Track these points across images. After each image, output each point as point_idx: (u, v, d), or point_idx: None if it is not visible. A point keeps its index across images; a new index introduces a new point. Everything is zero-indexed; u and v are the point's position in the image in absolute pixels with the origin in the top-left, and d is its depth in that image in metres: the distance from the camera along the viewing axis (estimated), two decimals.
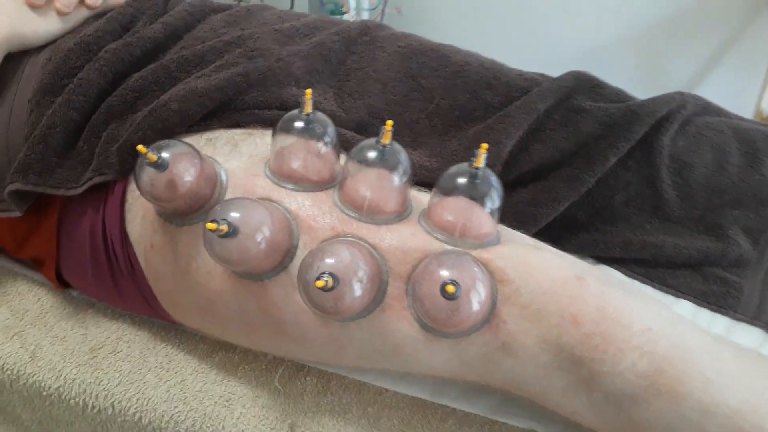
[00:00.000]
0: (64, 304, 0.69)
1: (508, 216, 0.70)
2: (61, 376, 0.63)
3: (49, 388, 0.63)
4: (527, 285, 0.50)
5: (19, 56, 0.69)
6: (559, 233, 0.73)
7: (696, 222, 0.74)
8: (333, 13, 1.75)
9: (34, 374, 0.64)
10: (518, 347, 0.50)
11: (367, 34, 0.78)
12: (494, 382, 0.55)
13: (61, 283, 0.68)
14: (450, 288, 0.44)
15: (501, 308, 0.50)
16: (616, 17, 1.81)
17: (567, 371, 0.50)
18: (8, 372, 0.64)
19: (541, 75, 0.78)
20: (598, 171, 0.69)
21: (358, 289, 0.48)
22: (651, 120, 0.70)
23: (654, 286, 0.72)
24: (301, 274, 0.49)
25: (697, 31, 1.75)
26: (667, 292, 0.72)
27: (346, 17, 1.74)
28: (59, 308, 0.69)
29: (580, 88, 0.74)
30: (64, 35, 0.72)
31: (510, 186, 0.72)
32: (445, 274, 0.47)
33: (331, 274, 0.46)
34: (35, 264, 0.70)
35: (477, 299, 0.48)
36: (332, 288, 0.46)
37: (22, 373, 0.64)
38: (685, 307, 0.70)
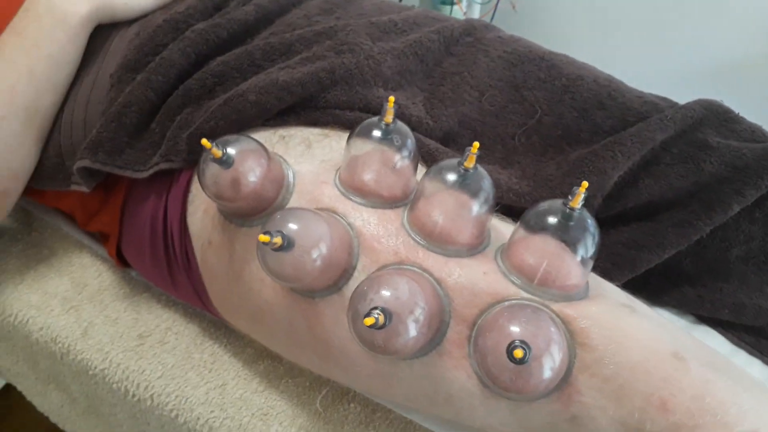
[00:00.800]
0: (122, 283, 0.68)
1: (602, 256, 0.62)
2: (107, 358, 0.62)
3: (95, 368, 0.62)
4: (614, 355, 0.42)
5: (108, 29, 0.68)
6: (658, 282, 0.64)
7: None
8: (444, 3, 1.67)
9: (83, 352, 0.63)
10: (591, 424, 0.43)
11: (471, 35, 0.72)
12: None
13: (121, 261, 0.67)
14: (518, 352, 0.38)
15: (578, 377, 0.43)
16: (756, 33, 1.61)
17: None
18: (60, 345, 0.64)
19: (664, 99, 0.68)
20: (717, 219, 0.60)
21: (413, 330, 0.42)
22: None
23: (764, 360, 0.63)
24: (353, 303, 0.43)
25: None
26: None
27: (455, 9, 1.67)
28: (117, 287, 0.68)
29: (709, 121, 0.64)
30: (155, 11, 0.70)
31: (609, 222, 0.64)
32: (515, 331, 0.40)
33: (384, 310, 0.40)
34: (101, 238, 0.70)
35: (550, 365, 0.40)
36: (383, 326, 0.40)
37: (72, 348, 0.63)
38: None
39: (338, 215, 0.50)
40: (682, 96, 0.68)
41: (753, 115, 0.68)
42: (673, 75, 1.63)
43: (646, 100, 0.66)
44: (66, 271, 0.70)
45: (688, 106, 0.64)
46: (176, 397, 0.59)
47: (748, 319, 0.62)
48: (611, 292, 0.49)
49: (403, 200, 0.51)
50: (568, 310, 0.44)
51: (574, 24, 1.81)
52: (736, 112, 0.66)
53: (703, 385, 0.41)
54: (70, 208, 0.69)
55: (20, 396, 0.80)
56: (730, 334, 0.64)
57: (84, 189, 0.61)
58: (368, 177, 0.50)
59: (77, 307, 0.66)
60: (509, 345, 0.38)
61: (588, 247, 0.45)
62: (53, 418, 0.79)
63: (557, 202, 0.45)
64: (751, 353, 0.63)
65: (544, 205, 0.46)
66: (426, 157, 0.60)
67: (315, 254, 0.45)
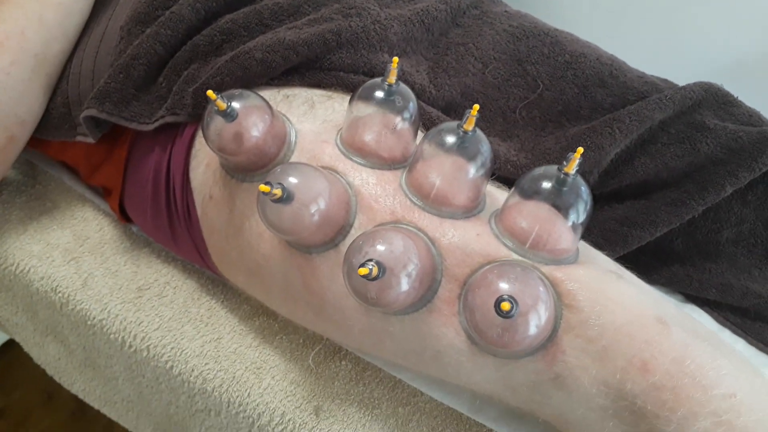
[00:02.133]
0: (122, 238, 0.69)
1: (595, 232, 0.63)
2: (106, 309, 0.63)
3: (94, 318, 0.63)
4: (599, 317, 0.43)
5: None
6: (649, 261, 0.66)
7: None
8: None
9: (82, 302, 0.64)
10: (573, 384, 0.44)
11: (478, 7, 0.72)
12: (540, 413, 0.49)
13: (123, 216, 0.68)
14: (505, 305, 0.39)
15: (562, 337, 0.44)
16: (762, 30, 1.61)
17: (623, 421, 0.44)
18: (60, 295, 0.65)
19: (665, 81, 0.69)
20: (710, 200, 0.61)
21: (405, 284, 0.43)
22: None
23: (748, 340, 0.64)
24: (348, 256, 0.45)
25: None
26: (762, 350, 0.63)
27: None
28: (117, 241, 0.69)
29: (708, 103, 0.65)
30: None
31: (604, 199, 0.65)
32: (504, 287, 0.42)
33: (378, 263, 0.41)
34: (104, 192, 0.71)
35: (535, 322, 0.42)
36: (376, 277, 0.41)
37: (71, 298, 0.64)
38: None
39: (338, 174, 0.50)
40: (684, 82, 0.68)
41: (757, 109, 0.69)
42: (677, 64, 1.63)
43: (647, 80, 0.67)
44: (68, 223, 0.71)
45: (688, 88, 0.65)
46: (172, 348, 0.60)
47: (735, 300, 0.64)
48: (600, 259, 0.51)
49: (402, 162, 0.52)
50: (556, 272, 0.45)
51: (582, 7, 1.81)
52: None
53: (684, 349, 0.42)
54: (75, 161, 0.70)
55: (17, 355, 0.81)
56: (717, 314, 0.65)
57: (89, 140, 0.62)
58: (369, 138, 0.51)
59: (78, 259, 0.67)
60: (497, 299, 0.40)
61: (580, 212, 0.46)
62: (50, 371, 0.80)
63: (552, 168, 0.46)
64: (735, 332, 0.64)
65: (540, 170, 0.47)
66: (427, 125, 0.60)
67: (313, 209, 0.46)
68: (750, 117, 0.64)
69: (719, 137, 0.62)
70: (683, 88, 0.65)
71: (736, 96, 0.66)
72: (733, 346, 0.57)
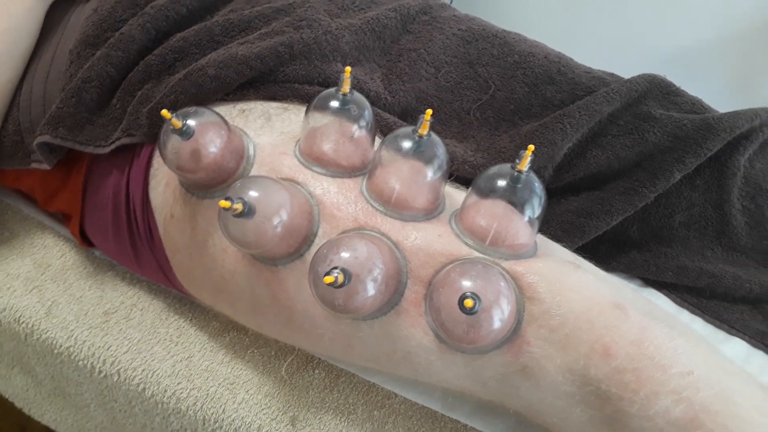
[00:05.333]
0: (85, 263, 0.69)
1: (554, 225, 0.65)
2: (72, 336, 0.62)
3: (60, 346, 0.62)
4: (559, 307, 0.45)
5: (66, 4, 0.68)
6: (607, 249, 0.68)
7: (764, 254, 0.67)
8: None
9: (48, 330, 0.63)
10: (540, 373, 0.45)
11: (428, 13, 0.74)
12: (510, 404, 0.50)
13: (84, 241, 0.67)
14: (468, 302, 0.40)
15: (526, 328, 0.45)
16: (706, 20, 1.66)
17: (590, 406, 0.45)
18: (24, 325, 0.64)
19: (611, 75, 0.71)
20: (660, 186, 0.63)
21: (371, 289, 0.44)
22: (727, 136, 0.63)
23: (705, 319, 0.66)
24: (313, 266, 0.45)
25: None
26: (719, 327, 0.66)
27: None
28: (80, 267, 0.68)
29: (653, 94, 0.67)
30: None
31: (560, 192, 0.67)
32: (466, 284, 0.43)
33: (344, 270, 0.42)
34: (63, 218, 0.70)
35: (499, 316, 0.43)
36: (342, 284, 0.42)
37: (36, 328, 0.63)
38: (737, 346, 0.64)
39: (299, 184, 0.51)
40: (630, 75, 0.71)
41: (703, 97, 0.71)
42: (626, 57, 1.68)
43: (593, 75, 0.69)
44: (28, 252, 0.70)
45: (633, 80, 0.67)
46: (143, 371, 0.60)
47: (690, 281, 0.66)
48: (558, 251, 0.52)
49: (362, 169, 0.53)
50: (517, 266, 0.47)
51: (528, 8, 1.85)
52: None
53: (642, 332, 0.44)
54: (30, 188, 0.69)
55: None
56: (675, 296, 0.68)
57: (45, 166, 0.62)
58: (327, 147, 0.51)
59: (40, 287, 0.66)
60: (461, 297, 0.41)
61: (535, 207, 0.47)
62: (18, 403, 0.78)
63: (506, 166, 0.48)
64: (693, 312, 0.67)
65: (494, 169, 0.48)
66: (385, 131, 0.61)
67: (276, 221, 0.46)
68: (693, 105, 0.67)
69: (665, 126, 0.64)
70: (628, 81, 0.67)
71: (678, 86, 0.69)
72: (690, 326, 0.60)
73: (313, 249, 0.49)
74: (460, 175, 0.63)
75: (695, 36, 1.68)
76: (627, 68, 0.79)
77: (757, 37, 1.62)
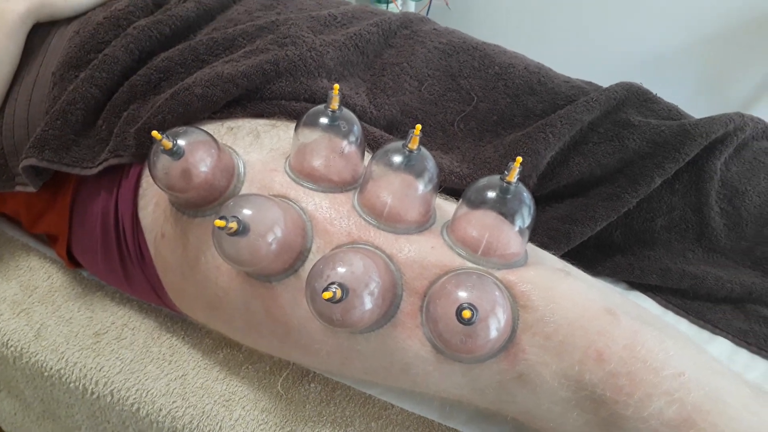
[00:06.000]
0: (73, 284, 0.68)
1: (540, 232, 0.66)
2: (63, 358, 0.62)
3: (51, 369, 0.62)
4: (552, 314, 0.46)
5: (47, 26, 0.68)
6: (592, 254, 0.69)
7: (743, 254, 0.69)
8: (379, 2, 1.70)
9: (37, 353, 0.62)
10: (536, 380, 0.46)
11: (408, 27, 0.75)
12: (507, 411, 0.51)
13: (72, 262, 0.67)
14: (466, 313, 0.41)
15: (521, 336, 0.46)
16: (676, 25, 1.71)
17: (586, 410, 0.46)
18: (12, 348, 0.63)
19: (589, 83, 0.73)
20: (642, 192, 0.65)
21: (368, 303, 0.45)
22: (704, 141, 0.65)
23: (689, 320, 0.68)
24: (310, 281, 0.46)
25: (765, 45, 1.63)
26: (703, 327, 0.67)
27: (391, 7, 1.70)
28: (68, 288, 0.68)
29: (630, 101, 0.69)
30: (95, 8, 0.70)
31: (544, 200, 0.68)
32: (462, 295, 0.44)
33: (341, 285, 0.43)
34: (49, 240, 0.69)
35: (495, 326, 0.44)
36: (340, 300, 0.43)
37: (25, 351, 0.63)
38: (721, 345, 0.65)
39: (290, 201, 0.51)
40: (608, 83, 0.72)
41: (675, 101, 0.74)
42: (599, 64, 1.72)
43: (573, 85, 0.71)
44: (13, 275, 0.69)
45: (611, 89, 0.69)
46: (137, 390, 0.59)
47: (674, 283, 0.68)
48: (548, 259, 0.53)
49: (353, 184, 0.53)
50: (509, 276, 0.48)
51: (506, 20, 1.88)
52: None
53: (633, 336, 0.45)
54: (15, 211, 0.68)
55: None
56: (659, 298, 0.69)
57: (30, 189, 0.61)
58: (318, 163, 0.52)
59: (28, 310, 0.66)
60: (458, 308, 0.41)
61: (525, 217, 0.48)
62: (6, 428, 0.77)
63: (495, 178, 0.49)
64: (677, 313, 0.68)
65: (483, 180, 0.49)
66: (372, 145, 0.62)
67: (270, 238, 0.47)
68: (669, 111, 0.69)
69: (644, 133, 0.66)
70: (607, 89, 0.69)
71: (655, 92, 0.71)
72: (677, 327, 0.61)
73: (308, 264, 0.50)
74: (447, 185, 0.64)
75: (665, 41, 1.72)
76: (600, 75, 0.81)
77: (724, 40, 1.66)
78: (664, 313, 0.68)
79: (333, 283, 0.43)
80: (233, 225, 0.44)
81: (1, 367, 0.66)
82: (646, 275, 0.68)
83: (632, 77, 0.73)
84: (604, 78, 0.76)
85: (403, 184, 0.49)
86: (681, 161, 0.65)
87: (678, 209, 0.68)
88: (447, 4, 1.82)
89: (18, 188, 0.63)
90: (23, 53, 0.66)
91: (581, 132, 0.67)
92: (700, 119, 0.67)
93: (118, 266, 0.61)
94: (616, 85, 0.70)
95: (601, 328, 0.45)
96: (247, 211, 0.46)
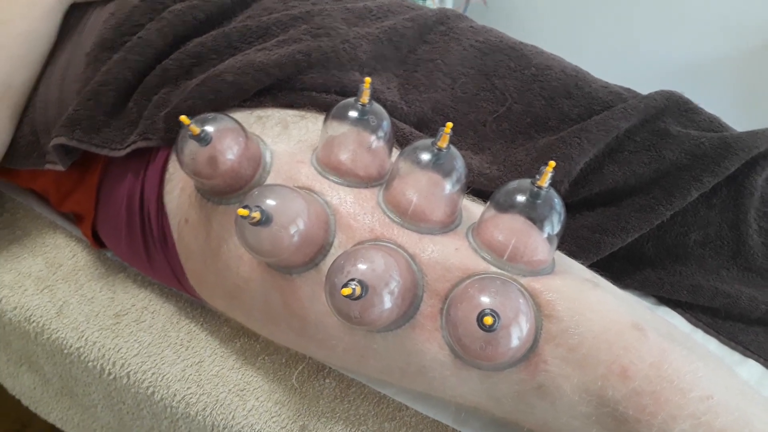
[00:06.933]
0: (97, 264, 0.68)
1: (568, 239, 0.65)
2: (83, 336, 0.62)
3: (71, 347, 0.62)
4: (578, 326, 0.44)
5: (83, 7, 0.68)
6: (621, 265, 0.67)
7: None
8: None
9: (58, 330, 0.63)
10: (556, 392, 0.45)
11: (444, 23, 0.73)
12: (524, 422, 0.50)
13: (97, 242, 0.67)
14: (488, 319, 0.40)
15: (544, 347, 0.45)
16: (720, 35, 1.66)
17: (605, 427, 0.45)
18: (34, 324, 0.64)
19: (628, 90, 0.71)
20: (677, 204, 0.63)
21: (387, 302, 0.44)
22: (746, 156, 0.63)
23: (720, 340, 0.66)
24: (330, 277, 0.45)
25: None
26: (734, 349, 0.65)
27: (428, 3, 1.68)
28: (92, 267, 0.68)
29: (670, 111, 0.67)
30: None
31: (575, 207, 0.66)
32: (485, 301, 0.42)
33: (361, 282, 0.42)
34: (75, 219, 0.70)
35: (517, 334, 0.43)
36: (359, 297, 0.42)
37: (47, 327, 0.63)
38: (752, 368, 0.63)
39: (315, 193, 0.51)
40: (646, 90, 0.70)
41: (714, 112, 0.71)
42: (638, 70, 1.68)
43: (611, 90, 0.69)
44: (40, 251, 0.70)
45: (651, 96, 0.67)
46: (153, 374, 0.60)
47: (705, 300, 0.65)
48: (576, 268, 0.52)
49: (379, 180, 0.52)
50: (535, 283, 0.46)
51: (544, 20, 1.85)
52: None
53: (661, 354, 0.44)
54: (44, 189, 0.69)
55: None
56: (689, 315, 0.67)
57: (59, 167, 0.61)
58: (345, 157, 0.51)
59: (51, 287, 0.66)
60: (479, 314, 0.40)
61: (554, 224, 0.47)
62: (25, 401, 0.78)
63: (525, 182, 0.47)
64: (707, 332, 0.66)
65: (513, 184, 0.48)
66: (401, 141, 0.61)
67: (293, 230, 0.46)
68: (710, 123, 0.67)
69: (683, 144, 0.64)
70: (646, 97, 0.67)
71: (696, 103, 0.69)
72: (707, 347, 0.59)
73: (329, 259, 0.49)
74: (475, 187, 0.62)
75: (705, 50, 1.68)
76: (636, 81, 0.79)
77: (766, 52, 1.62)
78: (693, 331, 0.66)
79: (353, 280, 0.42)
80: (256, 215, 0.44)
81: (23, 342, 0.67)
82: (676, 291, 0.66)
83: (669, 85, 0.71)
84: (641, 85, 0.74)
85: (430, 182, 0.48)
86: (720, 175, 0.63)
87: (714, 225, 0.65)
88: (485, 2, 1.80)
89: (47, 166, 0.63)
90: (59, 32, 0.67)
91: (617, 139, 0.65)
92: (743, 132, 0.65)
93: (141, 249, 0.61)
94: (656, 93, 0.67)
95: (628, 343, 0.44)
96: (270, 202, 0.46)
